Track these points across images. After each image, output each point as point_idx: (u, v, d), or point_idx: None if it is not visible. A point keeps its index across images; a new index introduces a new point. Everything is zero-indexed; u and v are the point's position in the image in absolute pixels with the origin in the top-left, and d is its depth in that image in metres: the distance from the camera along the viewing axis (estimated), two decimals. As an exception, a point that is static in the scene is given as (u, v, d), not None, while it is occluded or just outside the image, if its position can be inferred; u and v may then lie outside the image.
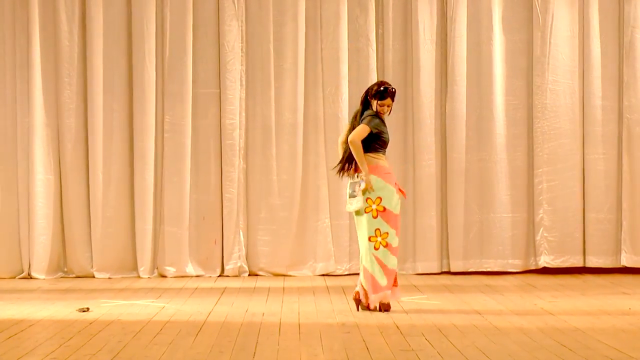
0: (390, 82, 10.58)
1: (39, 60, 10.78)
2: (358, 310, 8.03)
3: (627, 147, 10.93)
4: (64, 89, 10.83)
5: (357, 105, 10.88)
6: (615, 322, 7.38)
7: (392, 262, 8.02)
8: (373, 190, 7.95)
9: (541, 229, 10.96)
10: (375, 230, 7.96)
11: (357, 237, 10.85)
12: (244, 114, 10.96)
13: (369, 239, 7.99)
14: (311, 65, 10.95)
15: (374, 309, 7.94)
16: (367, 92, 8.22)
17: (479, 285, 9.85)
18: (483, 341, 6.58)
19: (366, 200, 7.96)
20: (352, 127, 8.18)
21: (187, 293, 9.46)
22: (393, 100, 8.18)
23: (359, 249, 10.88)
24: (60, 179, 10.89)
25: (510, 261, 10.93)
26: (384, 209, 7.96)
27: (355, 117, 8.25)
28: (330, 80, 10.93)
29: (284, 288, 9.85)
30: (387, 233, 7.96)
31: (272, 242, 10.96)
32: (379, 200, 7.96)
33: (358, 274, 10.81)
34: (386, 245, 7.97)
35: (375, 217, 7.96)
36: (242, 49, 10.92)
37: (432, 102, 10.93)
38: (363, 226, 8.03)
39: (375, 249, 7.97)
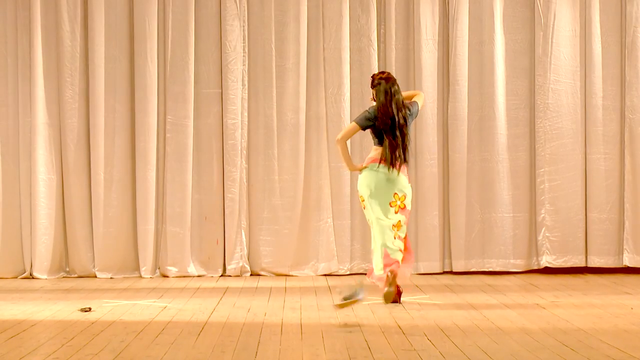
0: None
1: (41, 60, 10.78)
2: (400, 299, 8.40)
3: (629, 146, 10.93)
4: (66, 89, 10.83)
5: (358, 105, 10.99)
6: (617, 322, 7.37)
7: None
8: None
9: (543, 229, 10.95)
10: (398, 221, 8.43)
11: (358, 236, 10.95)
12: (246, 114, 10.96)
13: (392, 227, 8.40)
14: (313, 65, 10.95)
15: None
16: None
17: (481, 285, 9.85)
18: (485, 341, 6.57)
19: (393, 195, 8.40)
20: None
21: (189, 293, 9.46)
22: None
23: (360, 248, 10.95)
24: (62, 178, 10.89)
25: (512, 261, 10.93)
26: (405, 206, 8.46)
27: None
28: (332, 80, 10.93)
29: (285, 288, 9.85)
30: (402, 227, 8.46)
31: (274, 242, 10.96)
32: (404, 197, 8.46)
33: (360, 273, 10.88)
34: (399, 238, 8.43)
35: (396, 213, 8.41)
36: (244, 49, 10.92)
37: (434, 102, 10.93)
38: (389, 214, 8.41)
39: (394, 237, 8.41)
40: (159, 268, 10.95)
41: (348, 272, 10.93)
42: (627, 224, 10.92)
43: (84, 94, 10.88)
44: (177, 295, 9.29)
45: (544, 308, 8.17)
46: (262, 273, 10.95)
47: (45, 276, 10.77)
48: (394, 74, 10.82)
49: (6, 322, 7.58)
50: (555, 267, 10.92)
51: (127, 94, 10.91)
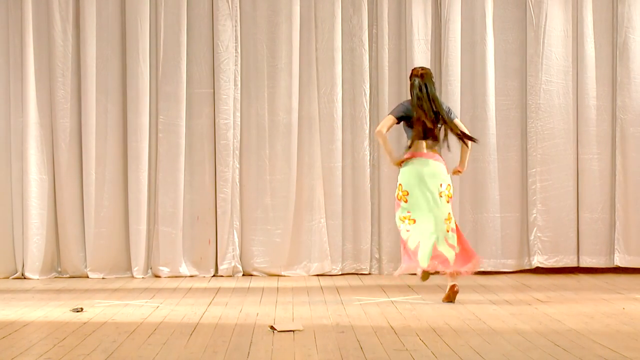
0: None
1: (32, 60, 10.76)
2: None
3: (620, 147, 10.94)
4: (57, 89, 10.82)
5: (351, 104, 11.02)
6: (609, 322, 7.39)
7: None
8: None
9: (535, 229, 10.96)
10: (448, 214, 8.59)
11: (350, 236, 10.96)
12: (238, 114, 10.95)
13: (445, 220, 8.56)
14: (305, 65, 10.95)
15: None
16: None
17: (473, 285, 9.85)
18: (477, 341, 6.58)
19: (440, 185, 8.57)
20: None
21: (181, 293, 9.45)
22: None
23: (352, 249, 10.96)
24: (54, 179, 10.88)
25: (503, 261, 10.94)
26: (452, 196, 8.67)
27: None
28: (324, 80, 10.93)
29: (278, 288, 9.85)
30: (452, 219, 8.65)
31: (267, 242, 10.96)
32: (449, 186, 8.64)
33: (352, 273, 10.89)
34: (453, 230, 8.61)
35: (448, 202, 8.61)
36: (236, 49, 10.92)
37: (426, 102, 10.91)
38: (442, 208, 8.60)
39: (447, 231, 8.56)
40: (151, 268, 10.94)
41: (340, 272, 10.93)
42: (618, 224, 10.94)
43: (76, 94, 10.87)
44: (169, 295, 9.28)
45: (536, 308, 8.18)
46: (254, 273, 10.95)
47: (37, 276, 10.76)
48: (386, 74, 10.87)
49: (-2, 323, 7.57)
50: (547, 267, 10.93)
51: (119, 94, 10.90)
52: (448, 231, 8.50)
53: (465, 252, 8.58)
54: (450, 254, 8.46)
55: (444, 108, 8.63)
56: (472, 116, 10.95)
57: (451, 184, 8.63)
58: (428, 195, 8.53)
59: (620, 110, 10.94)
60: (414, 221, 8.53)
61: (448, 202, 8.56)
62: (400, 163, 8.65)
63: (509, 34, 11.00)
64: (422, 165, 8.56)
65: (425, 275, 8.57)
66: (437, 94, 8.71)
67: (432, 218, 8.49)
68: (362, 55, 10.93)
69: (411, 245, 8.48)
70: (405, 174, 8.61)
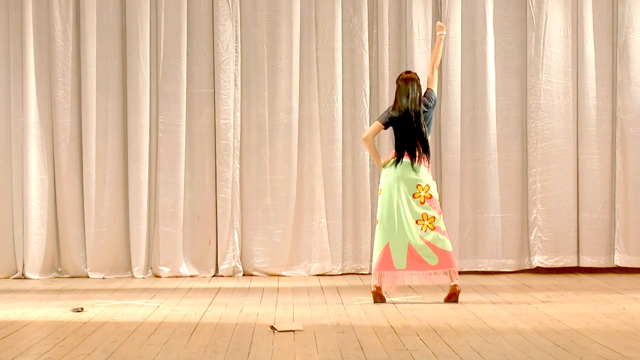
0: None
1: (33, 60, 10.77)
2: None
3: (620, 147, 10.95)
4: (58, 89, 10.82)
5: (351, 104, 11.03)
6: (609, 322, 7.39)
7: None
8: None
9: (535, 229, 10.97)
10: (423, 214, 8.51)
11: (350, 236, 10.98)
12: (238, 114, 10.96)
13: (416, 222, 8.50)
14: (306, 65, 10.96)
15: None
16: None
17: (474, 285, 9.86)
18: (478, 341, 6.58)
19: (416, 187, 8.50)
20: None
21: (181, 293, 9.45)
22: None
23: (352, 248, 10.98)
24: (55, 179, 10.88)
25: (503, 261, 10.94)
26: (431, 196, 8.53)
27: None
28: (325, 80, 10.94)
29: (278, 288, 9.85)
30: (434, 217, 8.51)
31: (267, 242, 10.96)
32: (427, 187, 8.53)
33: (352, 273, 10.90)
34: (434, 229, 8.51)
35: (422, 204, 8.52)
36: (236, 49, 10.92)
37: (426, 102, 10.93)
38: (414, 209, 8.54)
39: (423, 230, 8.52)
40: (151, 268, 10.94)
41: (340, 272, 10.94)
42: (618, 224, 10.95)
43: (76, 93, 10.88)
44: (170, 295, 9.28)
45: (536, 308, 8.18)
46: (254, 273, 10.95)
47: (37, 276, 10.76)
48: (386, 74, 10.87)
49: (-2, 323, 7.57)
50: (547, 267, 10.93)
51: (119, 94, 10.90)
52: (426, 230, 8.47)
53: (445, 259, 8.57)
54: (425, 251, 8.48)
55: (423, 118, 8.56)
56: (472, 116, 10.96)
57: (431, 185, 8.56)
58: (399, 195, 8.52)
59: (620, 110, 10.94)
60: (377, 221, 8.64)
61: (423, 202, 8.50)
62: (385, 165, 8.68)
63: (509, 34, 11.00)
64: (399, 165, 8.54)
65: (376, 296, 8.50)
66: (421, 96, 8.66)
67: (394, 219, 8.50)
68: (362, 55, 10.94)
69: (377, 250, 8.56)
70: (383, 174, 8.67)
